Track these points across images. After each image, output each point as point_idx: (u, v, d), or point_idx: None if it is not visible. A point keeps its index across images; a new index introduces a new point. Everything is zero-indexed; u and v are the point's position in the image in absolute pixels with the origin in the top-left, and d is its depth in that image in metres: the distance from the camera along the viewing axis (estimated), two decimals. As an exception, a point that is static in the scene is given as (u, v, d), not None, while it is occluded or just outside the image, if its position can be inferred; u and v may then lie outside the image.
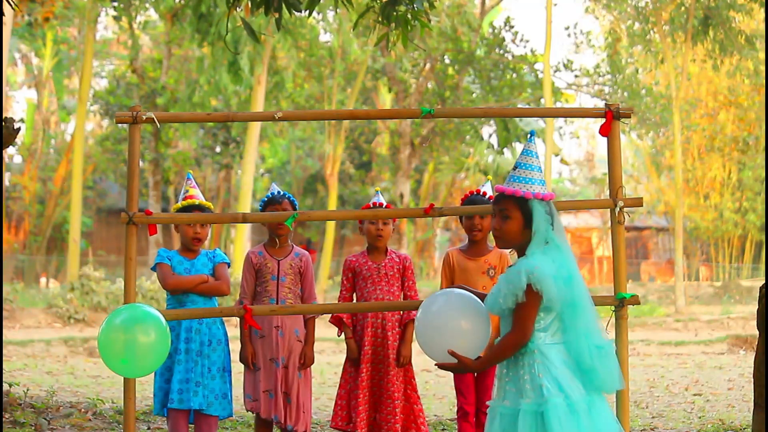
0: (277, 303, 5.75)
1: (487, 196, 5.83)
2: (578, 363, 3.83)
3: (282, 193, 5.90)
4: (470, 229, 5.83)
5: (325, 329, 18.12)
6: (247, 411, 5.82)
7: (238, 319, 5.55)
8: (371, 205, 5.90)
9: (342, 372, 5.94)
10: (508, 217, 3.89)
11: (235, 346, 5.82)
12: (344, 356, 5.98)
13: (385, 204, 5.98)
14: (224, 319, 5.82)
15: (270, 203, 5.87)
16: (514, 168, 3.96)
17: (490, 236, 5.16)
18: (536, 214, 3.87)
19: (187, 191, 5.80)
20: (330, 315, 5.94)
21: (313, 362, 5.85)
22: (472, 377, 5.82)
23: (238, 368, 5.83)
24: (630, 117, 4.66)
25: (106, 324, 4.26)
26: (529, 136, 4.05)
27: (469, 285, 5.70)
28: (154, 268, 5.82)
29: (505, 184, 3.94)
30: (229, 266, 5.79)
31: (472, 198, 5.86)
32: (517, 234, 3.90)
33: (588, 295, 3.92)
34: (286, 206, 5.83)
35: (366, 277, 5.88)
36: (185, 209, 5.71)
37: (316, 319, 6.00)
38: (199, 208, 5.72)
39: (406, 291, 5.89)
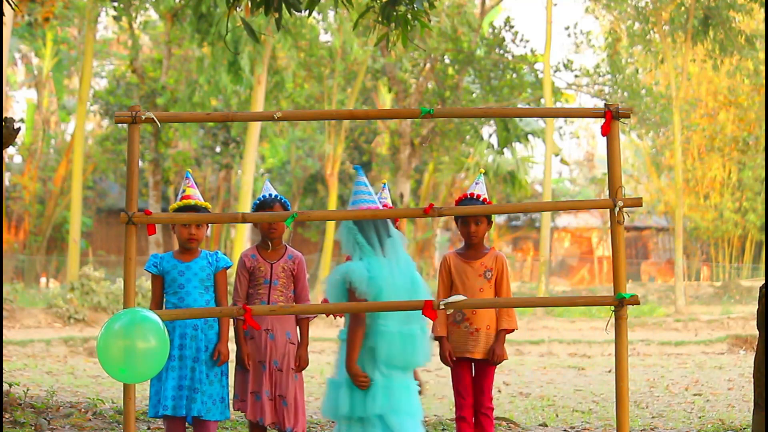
0: None
1: (481, 198, 5.78)
2: None
3: (274, 195, 5.77)
4: (466, 234, 5.81)
5: (324, 329, 18.13)
6: (235, 410, 5.81)
7: (232, 319, 5.55)
8: None
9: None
10: None
11: (231, 347, 5.81)
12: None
13: (383, 204, 5.86)
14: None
15: (261, 207, 5.74)
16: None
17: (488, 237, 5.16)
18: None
19: (184, 191, 5.70)
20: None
21: (307, 364, 5.82)
22: (470, 378, 5.81)
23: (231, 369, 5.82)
24: (629, 117, 4.64)
25: (105, 329, 4.25)
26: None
27: (466, 287, 5.71)
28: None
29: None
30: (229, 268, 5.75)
31: (466, 202, 5.75)
32: None
33: None
34: (278, 210, 5.69)
35: None
36: (181, 209, 5.60)
37: (315, 320, 5.98)
38: (195, 208, 5.61)
39: None
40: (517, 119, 29.44)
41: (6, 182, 30.88)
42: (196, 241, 5.68)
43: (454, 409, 5.95)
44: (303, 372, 5.84)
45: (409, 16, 6.93)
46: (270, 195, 5.79)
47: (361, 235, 4.63)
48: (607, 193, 4.62)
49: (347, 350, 4.53)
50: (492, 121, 30.40)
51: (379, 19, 6.95)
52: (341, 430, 4.58)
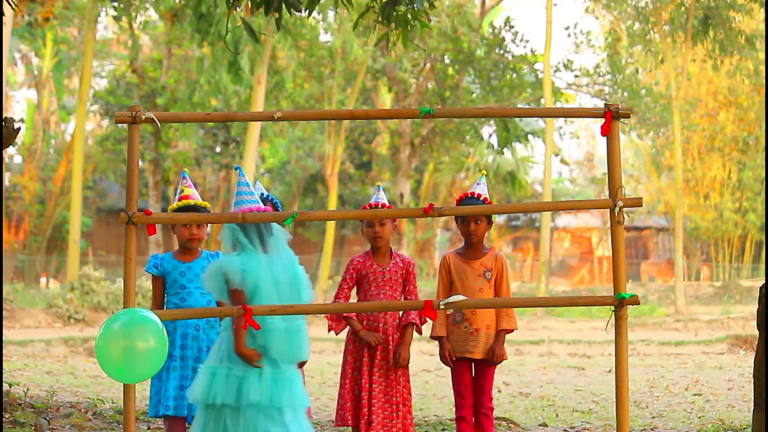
0: None
1: (482, 198, 5.78)
2: None
3: (264, 195, 5.74)
4: (465, 233, 5.80)
5: (324, 328, 18.15)
6: None
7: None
8: (369, 206, 5.84)
9: (342, 372, 5.92)
10: None
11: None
12: (343, 357, 5.96)
13: (381, 204, 5.83)
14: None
15: None
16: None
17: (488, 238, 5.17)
18: None
19: (182, 191, 5.67)
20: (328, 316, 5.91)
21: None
22: (470, 378, 5.80)
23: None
24: (629, 117, 4.64)
25: (103, 329, 4.25)
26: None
27: (466, 287, 5.71)
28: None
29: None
30: None
31: (466, 201, 5.76)
32: None
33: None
34: (268, 210, 5.57)
35: (371, 281, 5.82)
36: (181, 209, 5.58)
37: (317, 320, 5.98)
38: (195, 208, 5.59)
39: (406, 294, 5.87)
40: (517, 119, 29.44)
41: (6, 182, 30.89)
42: (197, 241, 5.67)
43: (454, 409, 5.95)
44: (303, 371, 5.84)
45: (409, 16, 6.93)
46: (261, 194, 5.75)
47: (243, 234, 4.84)
48: (607, 193, 4.62)
49: (235, 334, 4.69)
50: (492, 121, 30.39)
51: (379, 19, 6.95)
52: (200, 417, 4.77)
